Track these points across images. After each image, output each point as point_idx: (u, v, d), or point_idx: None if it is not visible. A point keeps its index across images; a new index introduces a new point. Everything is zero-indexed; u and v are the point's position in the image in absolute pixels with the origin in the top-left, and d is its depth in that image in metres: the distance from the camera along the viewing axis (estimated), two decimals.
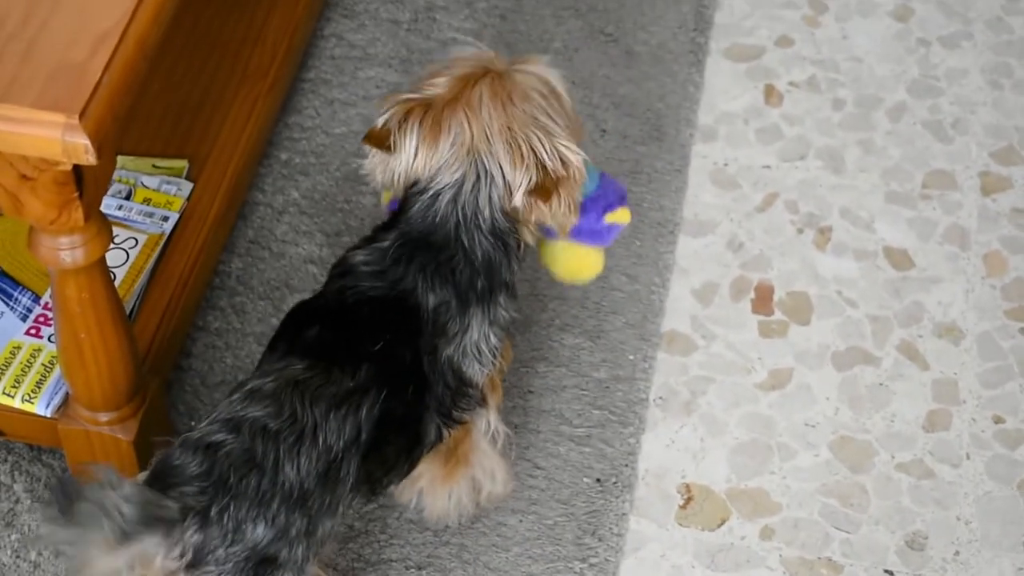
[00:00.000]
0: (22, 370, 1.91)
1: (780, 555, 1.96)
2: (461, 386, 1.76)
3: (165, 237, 2.05)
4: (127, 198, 2.09)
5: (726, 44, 2.49)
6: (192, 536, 1.55)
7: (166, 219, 2.07)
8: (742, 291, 2.20)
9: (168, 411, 2.00)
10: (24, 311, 1.96)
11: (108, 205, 2.06)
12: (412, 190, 1.74)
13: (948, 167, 2.34)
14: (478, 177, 1.71)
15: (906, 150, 2.36)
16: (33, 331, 1.95)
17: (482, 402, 1.82)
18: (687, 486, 2.02)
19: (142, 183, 2.11)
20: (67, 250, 1.65)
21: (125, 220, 2.06)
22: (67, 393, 1.88)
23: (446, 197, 1.71)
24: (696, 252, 2.24)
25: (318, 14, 2.43)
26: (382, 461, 1.69)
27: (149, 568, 1.56)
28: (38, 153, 1.52)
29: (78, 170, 1.56)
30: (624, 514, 1.98)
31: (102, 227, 1.66)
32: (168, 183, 2.11)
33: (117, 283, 1.99)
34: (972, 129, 2.39)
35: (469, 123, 1.70)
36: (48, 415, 1.89)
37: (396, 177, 1.75)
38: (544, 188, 1.71)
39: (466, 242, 1.71)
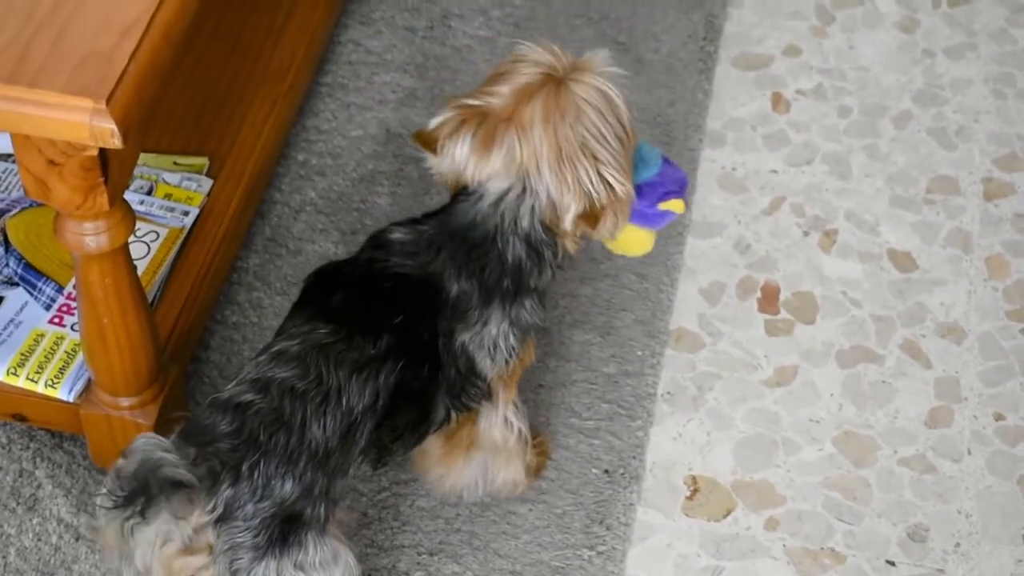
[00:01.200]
0: (45, 357, 1.96)
1: (784, 545, 2.00)
2: (471, 375, 1.80)
3: (185, 231, 2.11)
4: (149, 193, 2.14)
5: (735, 53, 2.54)
6: (225, 491, 1.60)
7: (186, 214, 2.12)
8: (749, 291, 2.25)
9: (186, 400, 2.05)
10: (48, 300, 2.01)
11: (130, 200, 2.09)
12: (459, 193, 1.77)
13: (952, 173, 2.39)
14: (523, 191, 1.73)
15: (910, 156, 2.41)
16: (56, 320, 2.00)
17: (488, 395, 1.86)
18: (694, 478, 2.06)
19: (163, 179, 2.16)
20: (91, 235, 1.70)
21: (147, 214, 2.12)
22: (89, 379, 1.93)
23: (489, 200, 1.74)
24: (704, 253, 2.29)
25: (336, 20, 2.48)
26: (392, 428, 1.74)
27: (185, 522, 1.62)
28: (66, 137, 1.57)
29: (104, 156, 1.62)
30: (632, 504, 2.02)
31: (126, 213, 1.72)
32: (189, 179, 2.16)
33: (139, 275, 2.03)
34: (975, 136, 2.44)
35: (520, 144, 1.72)
36: (71, 400, 1.94)
37: (451, 175, 1.77)
38: (591, 216, 1.75)
39: (500, 245, 1.75)
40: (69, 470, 2.02)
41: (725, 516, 2.03)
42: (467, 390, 1.81)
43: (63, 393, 1.94)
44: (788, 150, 2.42)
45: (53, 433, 2.05)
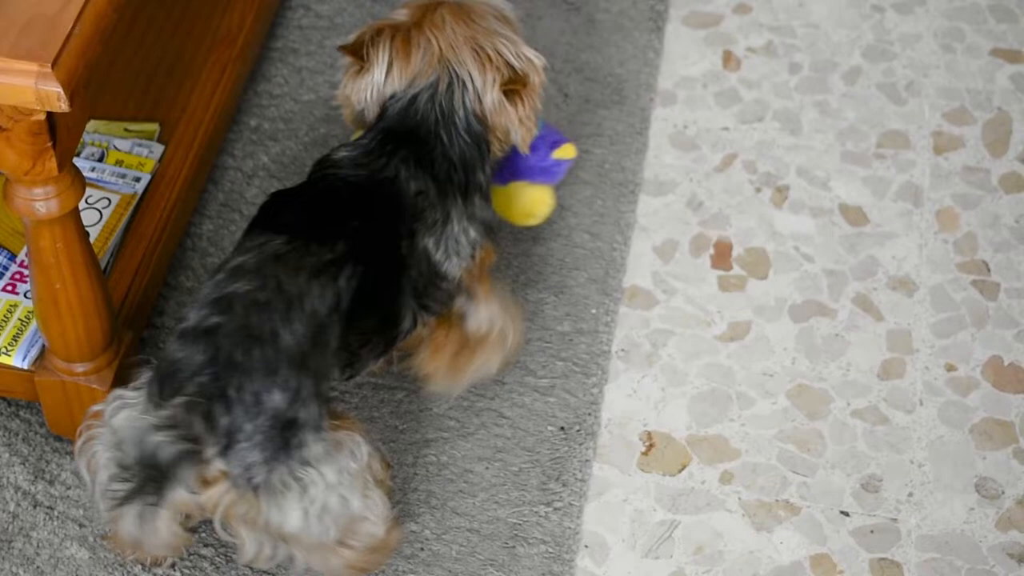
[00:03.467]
0: None
1: (739, 498, 2.02)
2: (435, 278, 1.85)
3: (137, 197, 2.10)
4: (100, 160, 2.14)
5: (685, 12, 2.55)
6: (223, 421, 1.65)
7: (138, 180, 2.12)
8: (701, 248, 2.26)
9: (142, 366, 2.05)
10: (0, 269, 2.01)
11: (82, 167, 2.11)
12: (389, 100, 1.86)
13: (902, 127, 2.40)
14: (451, 81, 1.85)
15: (861, 112, 2.43)
16: (9, 288, 2.00)
17: (459, 292, 1.92)
18: (648, 434, 2.07)
19: (114, 146, 2.16)
20: (41, 200, 1.70)
21: (98, 181, 2.11)
22: (43, 346, 1.93)
23: (424, 97, 1.85)
24: (656, 211, 2.30)
25: None
26: (360, 333, 1.79)
27: (200, 490, 1.70)
28: (12, 101, 1.57)
29: (52, 120, 1.61)
30: (587, 460, 2.03)
31: (75, 178, 1.71)
32: (140, 146, 2.16)
33: (91, 241, 2.03)
34: (925, 91, 2.45)
35: (436, 39, 1.86)
36: (25, 367, 1.94)
37: (371, 94, 1.89)
38: (514, 83, 1.87)
39: (444, 138, 1.85)
40: (26, 438, 2.02)
41: (680, 471, 2.04)
42: (432, 293, 1.86)
43: (17, 360, 1.94)
44: (739, 107, 2.43)
45: (9, 401, 2.05)
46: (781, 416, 2.09)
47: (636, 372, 2.13)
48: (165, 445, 1.66)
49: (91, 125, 2.18)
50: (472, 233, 1.87)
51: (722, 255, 2.26)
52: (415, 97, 1.85)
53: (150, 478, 1.69)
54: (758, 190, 2.33)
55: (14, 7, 1.58)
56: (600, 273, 2.21)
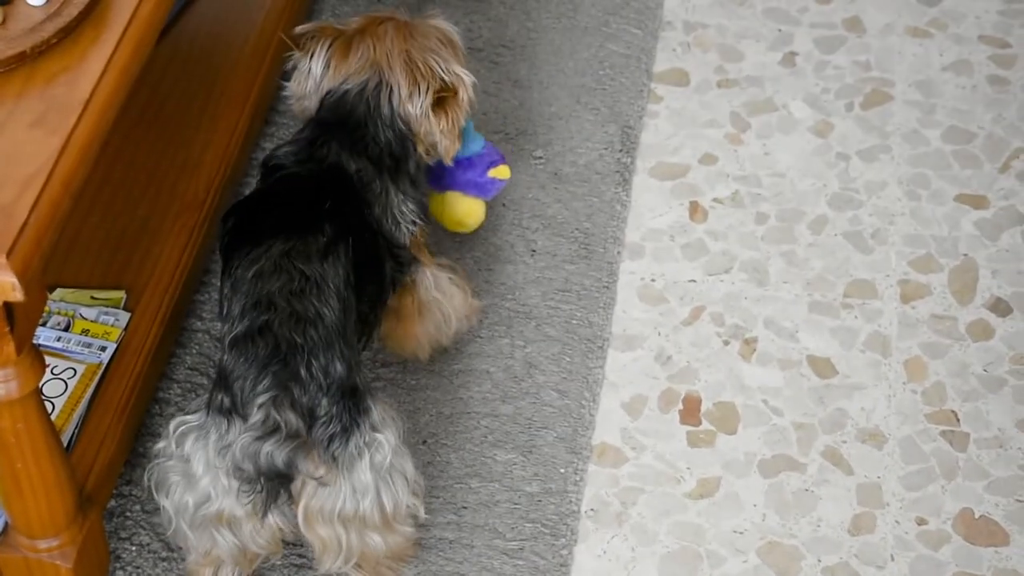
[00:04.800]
0: None
1: None
2: (392, 244, 2.05)
3: (103, 367, 2.10)
4: (66, 329, 2.14)
5: (652, 163, 2.57)
6: (303, 399, 1.80)
7: (104, 349, 2.12)
8: (670, 403, 2.26)
9: (108, 538, 2.04)
10: None
11: (47, 337, 2.12)
12: (326, 96, 2.07)
13: (868, 276, 2.41)
14: (380, 83, 2.05)
15: (828, 261, 2.44)
16: None
17: (415, 260, 2.11)
18: None
19: (80, 315, 2.16)
20: (1, 383, 1.70)
21: (64, 351, 2.11)
22: (7, 522, 1.92)
23: (353, 92, 2.05)
24: (625, 366, 2.30)
25: (253, 143, 2.49)
26: (367, 299, 1.97)
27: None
28: None
29: (8, 305, 1.62)
30: None
31: (35, 360, 1.72)
32: (106, 314, 2.16)
33: (56, 413, 2.04)
34: (891, 239, 2.46)
35: (374, 47, 2.07)
36: None
37: (309, 85, 2.09)
38: (442, 99, 2.07)
39: (371, 128, 2.05)
40: None
41: None
42: (397, 255, 2.05)
43: None
44: (706, 259, 2.44)
45: None
46: (752, 575, 2.08)
47: (606, 532, 2.12)
48: (277, 452, 1.80)
49: (57, 293, 2.19)
50: (410, 205, 2.06)
51: (691, 410, 2.26)
52: (346, 92, 2.05)
53: (279, 483, 1.83)
54: (726, 343, 2.33)
55: None
56: (569, 431, 2.21)
